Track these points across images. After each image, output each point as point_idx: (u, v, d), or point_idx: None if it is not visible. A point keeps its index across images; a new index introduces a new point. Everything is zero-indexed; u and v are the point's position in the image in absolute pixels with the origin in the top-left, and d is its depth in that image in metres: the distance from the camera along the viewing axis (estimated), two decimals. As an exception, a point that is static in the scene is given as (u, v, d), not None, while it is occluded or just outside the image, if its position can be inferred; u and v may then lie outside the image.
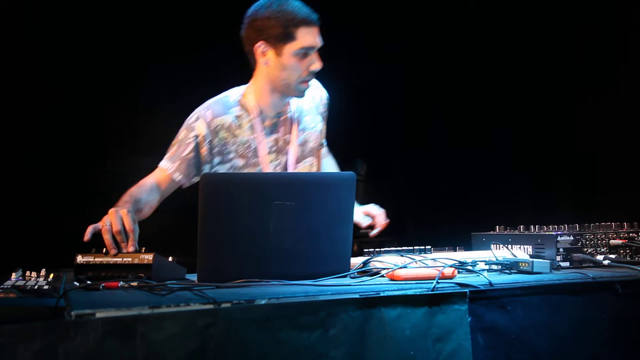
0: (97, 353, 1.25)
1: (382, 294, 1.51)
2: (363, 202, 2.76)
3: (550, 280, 1.70)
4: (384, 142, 5.24)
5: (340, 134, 4.83)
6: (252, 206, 1.77)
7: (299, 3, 2.35)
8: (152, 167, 2.45)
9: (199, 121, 2.40)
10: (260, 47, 2.36)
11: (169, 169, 2.39)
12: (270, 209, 1.76)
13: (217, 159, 2.43)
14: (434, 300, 1.53)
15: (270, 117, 2.49)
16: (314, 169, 2.60)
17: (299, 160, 2.53)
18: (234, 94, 2.50)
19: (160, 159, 2.43)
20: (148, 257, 1.72)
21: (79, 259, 1.74)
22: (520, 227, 2.19)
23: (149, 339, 1.29)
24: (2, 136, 3.71)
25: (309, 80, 2.40)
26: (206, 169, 2.42)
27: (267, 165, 2.47)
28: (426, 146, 4.93)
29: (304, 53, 2.34)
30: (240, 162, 2.46)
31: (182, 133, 2.42)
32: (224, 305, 1.39)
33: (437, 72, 4.74)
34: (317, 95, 2.65)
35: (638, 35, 3.42)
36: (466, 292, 1.55)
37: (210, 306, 1.38)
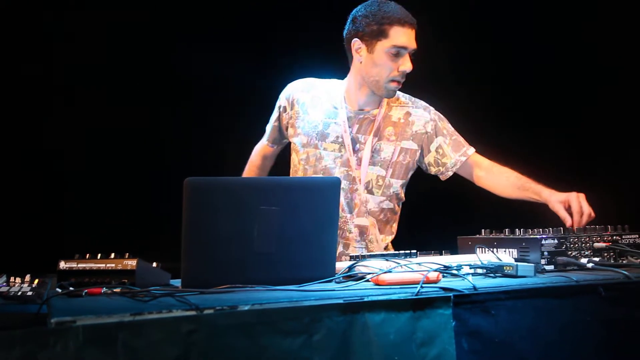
0: (77, 361, 1.24)
1: (366, 299, 1.51)
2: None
3: (535, 284, 1.71)
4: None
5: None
6: (236, 211, 1.76)
7: (397, 6, 2.46)
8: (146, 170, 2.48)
9: (284, 94, 2.66)
10: (355, 43, 2.48)
11: (265, 138, 2.78)
12: (255, 213, 1.76)
13: (290, 130, 2.63)
14: (418, 304, 1.53)
15: (353, 111, 2.57)
16: (382, 181, 2.63)
17: (369, 164, 2.58)
18: (330, 81, 2.64)
19: (139, 166, 2.49)
20: (132, 263, 1.70)
21: (62, 265, 1.72)
22: (505, 231, 2.19)
23: (130, 346, 1.28)
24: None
25: (399, 80, 2.48)
26: (286, 135, 2.69)
27: (330, 153, 2.56)
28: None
29: (396, 52, 2.42)
30: (304, 139, 2.60)
31: (276, 105, 2.69)
32: (206, 311, 1.39)
33: (428, 75, 4.74)
34: (419, 121, 2.66)
35: None
36: (450, 296, 1.55)
37: (193, 312, 1.37)
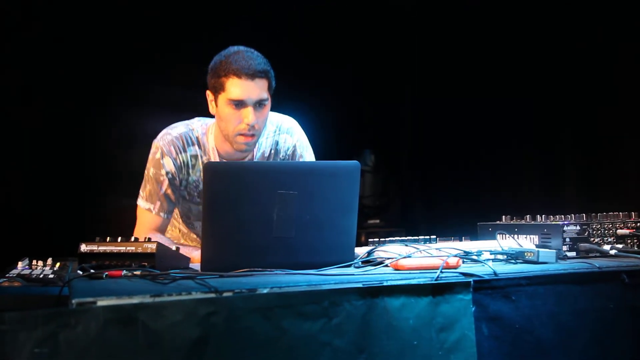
0: (98, 341, 1.25)
1: (385, 284, 1.51)
2: (370, 193, 2.74)
3: (556, 270, 1.69)
4: (392, 132, 5.23)
5: (348, 125, 4.87)
6: (255, 195, 1.76)
7: (243, 55, 2.30)
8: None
9: (166, 159, 2.41)
10: (208, 96, 2.38)
11: (153, 210, 2.43)
12: (274, 198, 1.75)
13: (178, 193, 2.48)
14: (438, 289, 1.52)
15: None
16: None
17: None
18: (198, 128, 2.47)
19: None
20: (152, 246, 1.71)
21: (83, 247, 1.73)
22: (526, 217, 2.17)
23: (150, 327, 1.29)
24: (12, 127, 3.73)
25: (246, 133, 2.32)
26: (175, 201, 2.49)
27: None
28: (434, 137, 4.92)
29: (236, 105, 2.29)
30: (186, 195, 2.49)
31: (151, 170, 2.43)
32: (225, 294, 1.39)
33: (444, 63, 4.72)
34: (286, 145, 2.56)
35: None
36: (470, 281, 1.54)
37: (212, 295, 1.38)
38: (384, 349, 1.46)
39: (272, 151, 2.52)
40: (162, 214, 2.43)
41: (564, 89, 3.80)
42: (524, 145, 4.18)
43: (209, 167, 1.77)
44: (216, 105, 2.35)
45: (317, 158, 2.62)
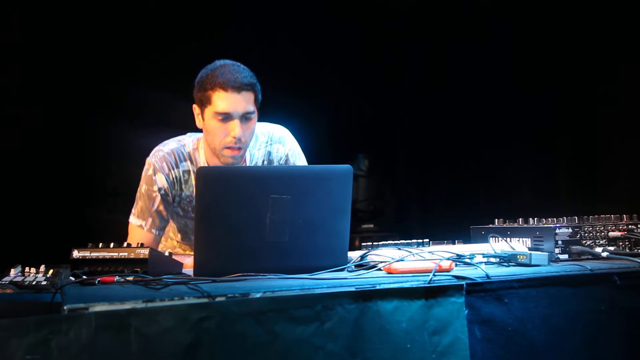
0: (90, 347, 1.25)
1: (378, 287, 1.51)
2: (364, 197, 2.75)
3: (548, 273, 1.70)
4: (386, 137, 5.24)
5: (342, 129, 4.87)
6: (248, 200, 1.76)
7: (229, 69, 2.30)
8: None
9: (158, 175, 2.41)
10: (195, 109, 2.38)
11: (144, 227, 2.42)
12: (267, 202, 1.76)
13: (171, 209, 2.48)
14: (431, 293, 1.52)
15: None
16: None
17: None
18: (189, 143, 2.47)
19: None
20: (144, 252, 1.71)
21: (75, 254, 1.73)
22: (519, 220, 2.18)
23: (143, 333, 1.29)
24: (4, 132, 3.73)
25: (233, 146, 2.32)
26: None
27: None
28: (428, 141, 4.93)
29: (223, 118, 2.29)
30: (180, 212, 2.49)
31: (143, 187, 2.43)
32: (218, 298, 1.39)
33: (437, 67, 4.73)
34: (279, 155, 2.56)
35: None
36: (463, 284, 1.54)
37: (205, 300, 1.38)
38: (377, 352, 1.46)
39: (265, 162, 2.53)
40: (153, 230, 2.43)
41: (560, 91, 3.81)
42: (519, 149, 4.19)
43: (202, 172, 1.77)
44: (203, 119, 2.35)
45: (310, 163, 2.63)
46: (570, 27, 3.71)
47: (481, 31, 4.33)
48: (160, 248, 2.60)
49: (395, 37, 4.96)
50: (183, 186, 2.44)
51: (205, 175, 1.77)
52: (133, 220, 2.44)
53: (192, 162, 2.45)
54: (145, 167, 2.44)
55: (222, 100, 2.28)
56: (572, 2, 3.66)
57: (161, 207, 2.42)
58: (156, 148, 2.46)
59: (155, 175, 2.41)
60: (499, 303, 1.58)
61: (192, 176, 2.44)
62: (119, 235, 2.50)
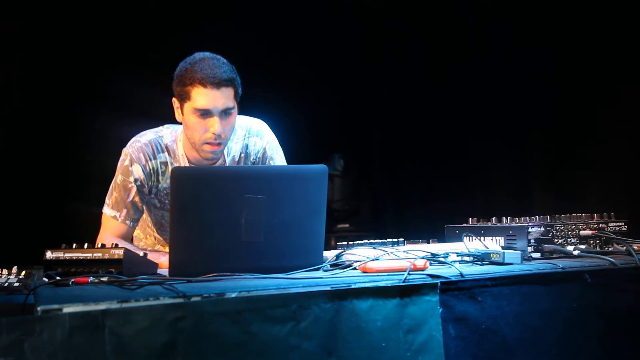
0: (65, 348, 1.24)
1: (353, 286, 1.52)
2: (340, 197, 2.75)
3: (521, 271, 1.72)
4: (361, 137, 5.25)
5: (317, 129, 4.88)
6: (223, 200, 1.76)
7: (209, 64, 2.27)
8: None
9: (135, 166, 2.39)
10: (174, 102, 2.36)
11: (118, 218, 2.40)
12: (242, 202, 1.75)
13: (147, 201, 2.47)
14: (405, 291, 1.54)
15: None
16: None
17: None
18: (167, 135, 2.45)
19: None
20: (119, 253, 1.70)
21: (49, 255, 1.71)
22: (492, 219, 2.20)
23: (117, 333, 1.28)
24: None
25: (213, 142, 2.31)
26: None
27: None
28: (403, 141, 4.96)
29: (202, 114, 2.27)
30: (157, 203, 2.48)
31: (119, 177, 2.41)
32: (193, 298, 1.39)
33: (413, 68, 4.76)
34: (256, 148, 2.55)
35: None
36: (437, 283, 1.56)
37: (180, 300, 1.38)
38: (353, 351, 1.47)
39: (243, 155, 2.52)
40: (127, 221, 2.41)
41: (534, 91, 3.84)
42: (493, 148, 4.23)
43: (176, 172, 1.77)
44: (182, 113, 2.34)
45: (287, 162, 2.63)
46: (545, 22, 3.75)
47: (459, 32, 4.36)
48: (141, 245, 2.59)
49: (373, 37, 4.97)
50: (160, 178, 2.43)
51: (179, 175, 1.76)
52: (107, 210, 2.41)
53: (169, 154, 2.43)
54: (122, 157, 2.42)
55: (202, 96, 2.26)
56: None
57: (136, 199, 2.40)
58: (133, 139, 2.44)
59: (132, 166, 2.39)
60: (473, 301, 1.59)
61: (169, 168, 2.42)
62: (96, 227, 2.48)
